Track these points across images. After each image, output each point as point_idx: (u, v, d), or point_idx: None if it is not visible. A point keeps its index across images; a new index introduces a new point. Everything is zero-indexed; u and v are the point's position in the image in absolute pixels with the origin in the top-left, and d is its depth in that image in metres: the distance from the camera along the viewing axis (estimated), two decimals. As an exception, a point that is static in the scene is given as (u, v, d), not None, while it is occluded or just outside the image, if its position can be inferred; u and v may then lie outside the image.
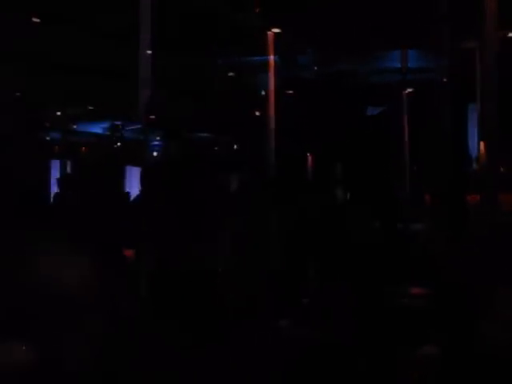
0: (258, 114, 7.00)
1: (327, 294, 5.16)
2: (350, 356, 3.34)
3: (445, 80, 5.60)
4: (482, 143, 8.68)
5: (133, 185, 10.28)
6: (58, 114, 8.48)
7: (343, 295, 4.60)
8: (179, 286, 3.17)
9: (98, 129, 10.27)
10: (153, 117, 9.58)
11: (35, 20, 4.71)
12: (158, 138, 11.64)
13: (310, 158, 11.48)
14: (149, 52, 5.72)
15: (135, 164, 11.36)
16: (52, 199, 5.16)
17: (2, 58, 5.81)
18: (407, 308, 4.72)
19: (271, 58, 4.38)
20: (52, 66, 6.13)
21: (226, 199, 5.08)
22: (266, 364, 3.27)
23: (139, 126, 10.56)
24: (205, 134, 11.54)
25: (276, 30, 4.48)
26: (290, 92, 7.28)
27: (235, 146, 12.16)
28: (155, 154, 12.32)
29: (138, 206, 4.75)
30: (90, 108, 8.36)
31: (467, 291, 3.51)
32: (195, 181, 5.17)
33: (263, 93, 6.36)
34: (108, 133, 10.10)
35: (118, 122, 9.85)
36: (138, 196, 4.95)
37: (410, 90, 6.09)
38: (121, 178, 9.53)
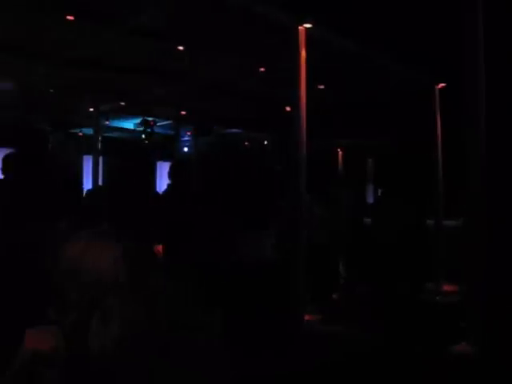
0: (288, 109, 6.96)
1: (357, 291, 5.11)
2: (380, 352, 3.31)
3: None
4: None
5: (163, 180, 10.36)
6: (91, 110, 8.58)
7: (372, 292, 4.55)
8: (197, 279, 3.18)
9: (129, 124, 10.36)
10: (184, 112, 9.65)
11: (69, 18, 4.78)
12: (189, 134, 11.72)
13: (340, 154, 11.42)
14: (180, 48, 5.74)
15: (166, 159, 11.46)
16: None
17: (33, 55, 5.90)
18: (440, 305, 4.66)
19: (303, 52, 4.35)
20: (84, 62, 6.19)
21: (257, 193, 5.08)
22: (293, 358, 3.25)
23: (170, 122, 10.64)
24: (235, 130, 11.55)
25: (307, 26, 4.45)
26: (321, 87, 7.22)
27: (266, 142, 12.16)
28: (186, 149, 12.41)
29: (168, 201, 4.77)
30: (122, 104, 8.43)
31: (501, 289, 3.43)
32: (226, 176, 5.17)
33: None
34: (140, 128, 10.17)
35: (150, 118, 9.91)
36: (166, 191, 4.97)
37: (443, 84, 5.99)
38: (151, 173, 9.60)
